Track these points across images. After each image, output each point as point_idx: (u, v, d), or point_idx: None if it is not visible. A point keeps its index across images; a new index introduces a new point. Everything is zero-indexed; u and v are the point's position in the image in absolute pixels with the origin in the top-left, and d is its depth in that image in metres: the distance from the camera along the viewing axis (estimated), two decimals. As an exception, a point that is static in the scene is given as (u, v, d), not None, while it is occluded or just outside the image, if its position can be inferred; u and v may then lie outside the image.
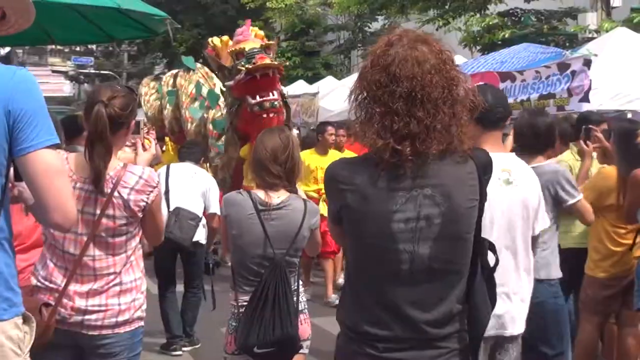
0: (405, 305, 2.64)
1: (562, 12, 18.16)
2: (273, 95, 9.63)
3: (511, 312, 3.83)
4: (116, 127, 3.81)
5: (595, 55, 9.44)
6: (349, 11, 22.30)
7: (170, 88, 13.00)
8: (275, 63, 9.87)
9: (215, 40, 11.36)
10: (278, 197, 4.55)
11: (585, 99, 9.04)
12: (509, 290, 3.80)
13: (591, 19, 15.71)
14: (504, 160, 3.89)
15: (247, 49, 9.89)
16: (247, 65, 9.58)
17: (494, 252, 2.84)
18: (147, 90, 13.79)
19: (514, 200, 3.86)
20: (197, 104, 12.24)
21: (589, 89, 9.02)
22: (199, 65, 13.08)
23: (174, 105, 12.78)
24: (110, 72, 44.15)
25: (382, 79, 2.62)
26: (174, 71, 13.43)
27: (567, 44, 16.33)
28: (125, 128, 3.91)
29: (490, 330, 3.31)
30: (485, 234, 2.81)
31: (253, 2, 27.15)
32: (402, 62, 2.61)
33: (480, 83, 4.55)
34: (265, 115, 9.51)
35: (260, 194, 4.55)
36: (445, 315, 2.67)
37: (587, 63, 9.12)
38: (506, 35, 16.73)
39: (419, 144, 2.59)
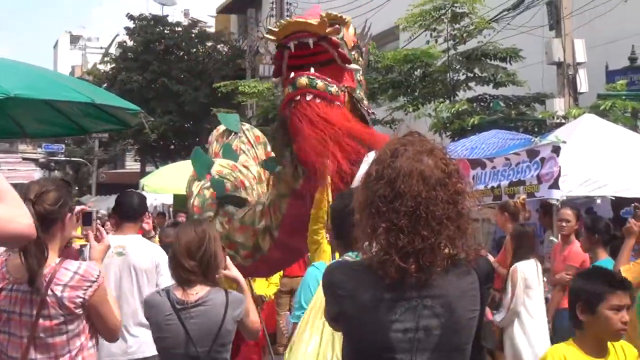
0: None
1: (530, 97, 18.41)
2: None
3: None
4: (48, 224, 3.73)
5: (564, 142, 9.56)
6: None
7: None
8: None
9: None
10: (196, 293, 4.41)
11: (555, 185, 9.13)
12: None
13: (559, 105, 15.92)
14: None
15: None
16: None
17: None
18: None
19: None
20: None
21: (559, 175, 9.11)
22: (246, 126, 8.54)
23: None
24: (81, 159, 44.09)
25: (387, 194, 2.62)
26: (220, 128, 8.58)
27: (536, 129, 16.52)
28: (60, 223, 3.82)
29: None
30: None
31: (225, 87, 27.26)
32: (407, 177, 2.60)
33: None
34: (298, 97, 5.92)
35: (177, 292, 4.42)
36: None
37: (556, 150, 9.23)
38: (475, 121, 16.91)
39: (423, 261, 2.59)
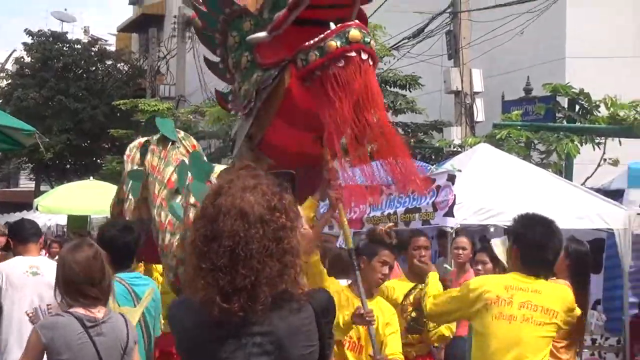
0: None
1: (428, 125, 18.67)
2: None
3: None
4: None
5: (459, 170, 9.68)
6: (221, 122, 22.37)
7: (135, 166, 7.35)
8: None
9: None
10: (99, 311, 4.33)
11: (450, 213, 9.21)
12: None
13: (456, 133, 16.18)
14: None
15: None
16: None
17: None
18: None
19: None
20: (179, 199, 6.69)
21: (454, 203, 9.20)
22: (181, 134, 7.43)
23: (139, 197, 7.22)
24: (-26, 177, 42.99)
25: (208, 233, 2.57)
26: (142, 139, 7.53)
27: (433, 157, 16.76)
28: None
29: None
30: None
31: (124, 105, 26.89)
32: (226, 216, 2.56)
33: None
34: (353, 53, 4.56)
35: (81, 310, 4.29)
36: None
37: (452, 178, 9.33)
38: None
39: (245, 301, 2.55)
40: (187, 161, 6.72)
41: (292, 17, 4.69)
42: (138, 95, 30.67)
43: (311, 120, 4.69)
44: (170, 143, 7.06)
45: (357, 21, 4.64)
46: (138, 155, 7.28)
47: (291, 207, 2.64)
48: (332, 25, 4.57)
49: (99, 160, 33.10)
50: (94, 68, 35.76)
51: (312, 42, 4.59)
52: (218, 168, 6.54)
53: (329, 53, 4.53)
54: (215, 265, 2.55)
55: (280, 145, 5.08)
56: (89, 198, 16.88)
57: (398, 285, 7.33)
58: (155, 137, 7.24)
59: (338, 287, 5.83)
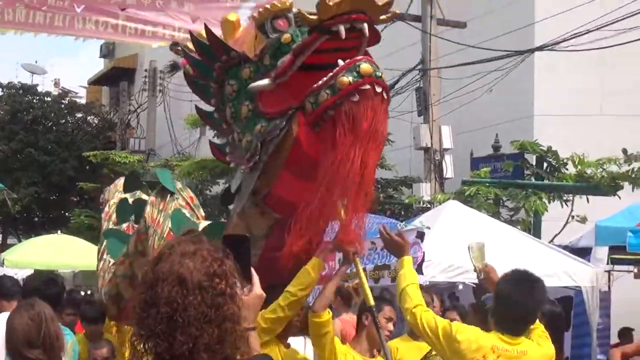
0: None
1: (398, 181, 18.74)
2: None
3: None
4: None
5: (428, 227, 9.69)
6: (191, 176, 22.36)
7: (112, 225, 7.00)
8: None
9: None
10: None
11: (419, 271, 9.16)
12: None
13: (425, 189, 16.22)
14: None
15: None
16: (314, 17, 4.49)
17: None
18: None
19: None
20: None
21: (422, 260, 9.19)
22: (179, 185, 7.01)
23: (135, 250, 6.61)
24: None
25: (147, 299, 2.55)
26: (122, 195, 7.10)
27: (403, 213, 16.79)
28: None
29: None
30: None
31: (94, 157, 26.77)
32: (164, 282, 2.54)
33: None
34: (367, 86, 4.39)
35: None
36: None
37: (421, 235, 9.33)
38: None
39: None
40: (185, 212, 6.44)
41: (299, 62, 4.56)
42: (108, 148, 30.57)
43: (320, 170, 4.49)
44: (169, 195, 6.58)
45: (366, 55, 4.52)
46: (115, 216, 6.91)
47: (232, 273, 2.61)
48: (341, 62, 4.42)
49: (67, 214, 32.86)
50: (63, 121, 35.61)
51: (321, 82, 4.44)
52: (203, 225, 6.22)
53: (341, 90, 4.36)
54: (153, 331, 2.52)
55: (288, 198, 4.77)
56: (56, 252, 16.69)
57: (402, 346, 7.15)
58: (150, 188, 6.83)
59: (347, 350, 5.51)
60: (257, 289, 2.80)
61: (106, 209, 7.07)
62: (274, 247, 4.82)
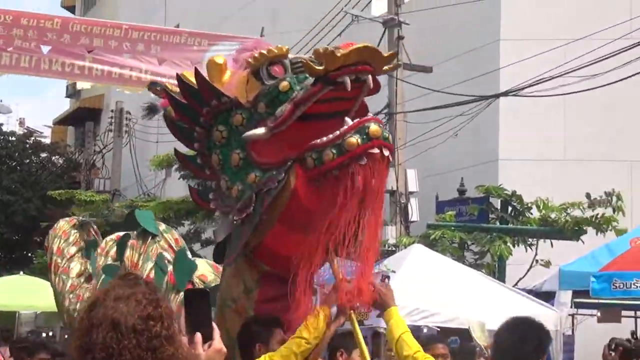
0: None
1: (363, 224, 18.73)
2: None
3: None
4: None
5: (394, 271, 9.68)
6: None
7: (110, 261, 6.62)
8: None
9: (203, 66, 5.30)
10: None
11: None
12: None
13: (390, 233, 16.22)
14: None
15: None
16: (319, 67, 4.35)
17: None
18: (58, 253, 6.83)
19: None
20: None
21: (388, 304, 9.18)
22: (162, 226, 6.88)
23: None
24: None
25: (83, 346, 2.52)
26: (119, 234, 6.79)
27: (368, 256, 16.75)
28: None
29: None
30: None
31: (59, 196, 26.58)
32: (99, 328, 2.51)
33: None
34: (376, 150, 4.32)
35: None
36: None
37: (385, 279, 9.32)
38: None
39: None
40: (166, 256, 6.30)
41: (299, 112, 4.45)
42: (72, 188, 30.38)
43: (315, 223, 4.41)
44: (150, 237, 6.44)
45: (373, 115, 4.51)
46: (114, 250, 6.57)
47: (169, 315, 2.58)
48: (349, 121, 4.33)
49: (29, 254, 32.53)
50: (28, 160, 35.43)
51: (326, 139, 4.33)
52: (200, 264, 6.30)
53: (350, 151, 4.27)
54: None
55: (280, 252, 4.65)
56: (18, 293, 16.53)
57: None
58: (133, 232, 6.57)
59: None
60: (218, 343, 2.76)
61: (103, 244, 6.72)
62: (269, 298, 4.77)
